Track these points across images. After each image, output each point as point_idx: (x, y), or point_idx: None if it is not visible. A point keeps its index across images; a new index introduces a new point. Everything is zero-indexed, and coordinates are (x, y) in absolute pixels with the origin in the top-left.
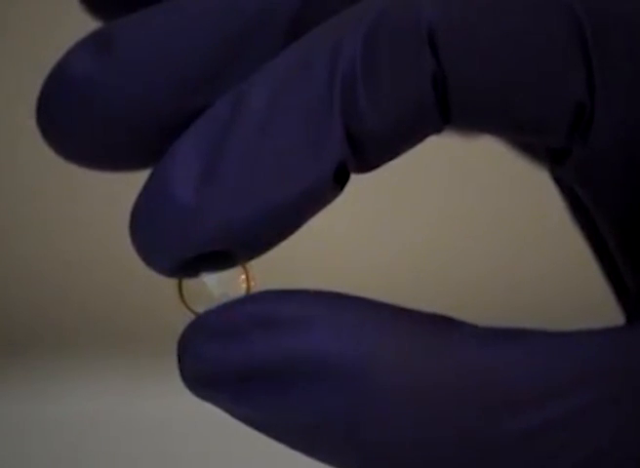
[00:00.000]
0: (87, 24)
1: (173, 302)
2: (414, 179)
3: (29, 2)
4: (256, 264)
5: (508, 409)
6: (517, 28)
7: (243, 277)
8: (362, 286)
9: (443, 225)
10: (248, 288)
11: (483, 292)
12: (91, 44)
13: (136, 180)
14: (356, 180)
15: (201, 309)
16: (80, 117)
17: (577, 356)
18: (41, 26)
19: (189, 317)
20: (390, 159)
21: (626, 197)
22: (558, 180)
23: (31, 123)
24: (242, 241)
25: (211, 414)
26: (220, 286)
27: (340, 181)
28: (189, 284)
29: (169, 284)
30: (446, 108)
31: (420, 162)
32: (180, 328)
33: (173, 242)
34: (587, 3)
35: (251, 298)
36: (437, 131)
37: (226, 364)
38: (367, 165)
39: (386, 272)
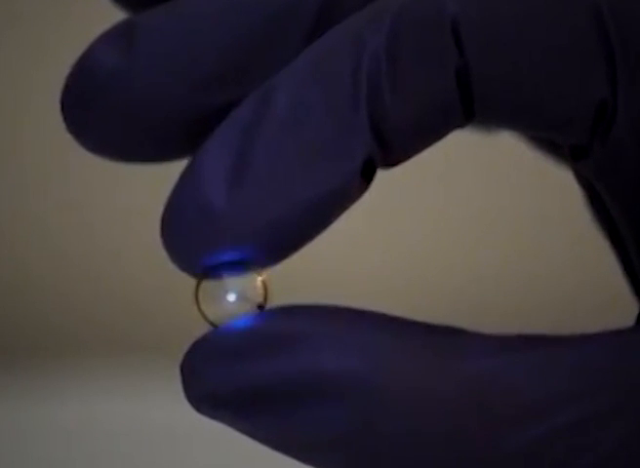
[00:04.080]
0: (100, 15)
1: (176, 309)
2: (415, 182)
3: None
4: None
5: (518, 418)
6: (541, 24)
7: (260, 279)
8: (365, 290)
9: (445, 228)
10: (265, 294)
11: (485, 296)
12: (115, 36)
13: (139, 188)
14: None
15: (215, 314)
16: (104, 108)
17: (584, 362)
18: (52, 19)
19: (201, 321)
20: (416, 153)
21: None
22: (578, 176)
23: (35, 129)
24: (272, 243)
25: (214, 422)
26: (238, 290)
27: (367, 177)
28: (207, 287)
29: (173, 290)
30: (470, 102)
31: (422, 164)
32: (183, 334)
33: (204, 245)
34: (611, 1)
35: (256, 317)
36: (461, 125)
37: (232, 384)
38: (393, 159)
39: (388, 276)
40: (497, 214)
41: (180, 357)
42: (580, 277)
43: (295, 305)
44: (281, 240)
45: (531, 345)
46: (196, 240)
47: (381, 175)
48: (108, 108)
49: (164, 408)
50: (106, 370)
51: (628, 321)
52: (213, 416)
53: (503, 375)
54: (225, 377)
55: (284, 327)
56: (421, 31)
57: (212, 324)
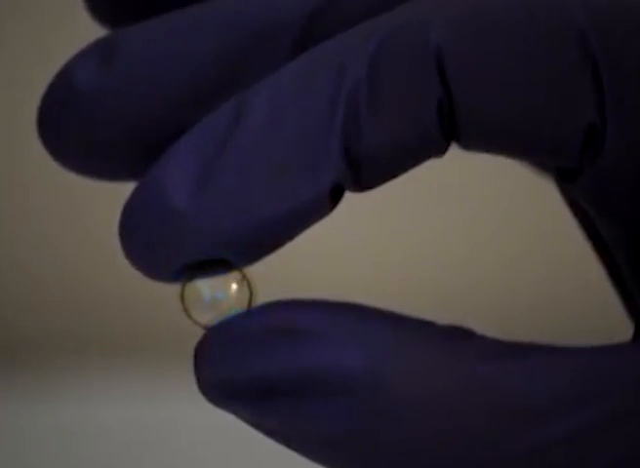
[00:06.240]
0: (90, 28)
1: (177, 310)
2: (414, 186)
3: (33, 4)
4: (254, 268)
5: (522, 423)
6: (527, 53)
7: (236, 282)
8: (361, 291)
9: (444, 232)
10: (250, 294)
11: (482, 300)
12: (93, 53)
13: None
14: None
15: (204, 317)
16: (81, 126)
17: (587, 370)
18: (43, 31)
19: (192, 324)
20: (388, 180)
21: (638, 215)
22: (565, 195)
23: (34, 141)
24: (235, 249)
25: (214, 421)
26: (215, 291)
27: (334, 198)
28: (191, 291)
29: (173, 292)
30: (451, 133)
31: (420, 168)
32: (182, 334)
33: (165, 248)
34: (598, 25)
35: (267, 309)
36: (440, 154)
37: (243, 374)
38: (363, 185)
39: (385, 279)
40: (496, 217)
41: (179, 358)
42: (579, 280)
43: (306, 299)
44: (242, 248)
45: (535, 352)
46: (158, 242)
47: None
48: (84, 126)
49: (164, 408)
50: (106, 370)
51: (625, 323)
52: (223, 406)
53: (508, 380)
54: (237, 367)
55: (297, 320)
56: (405, 60)
57: (205, 327)
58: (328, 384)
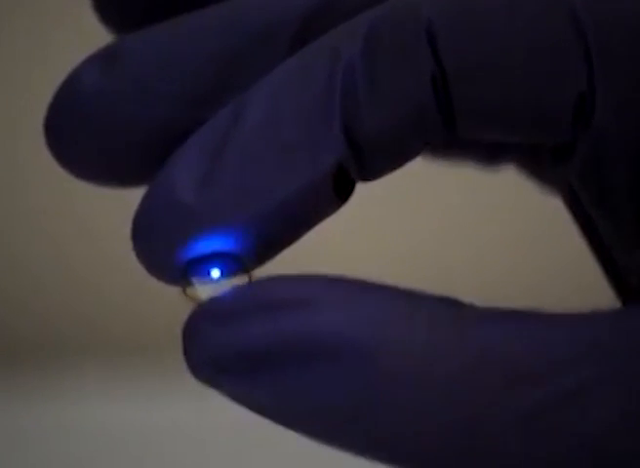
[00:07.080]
0: (91, 28)
1: (176, 310)
2: (418, 183)
3: (33, 4)
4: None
5: (514, 386)
6: (517, 26)
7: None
8: None
9: (447, 230)
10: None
11: (485, 298)
12: (99, 59)
13: (139, 193)
14: (361, 184)
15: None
16: (86, 131)
17: (582, 332)
18: (46, 31)
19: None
20: (393, 165)
21: (633, 189)
22: (564, 194)
23: (34, 141)
24: (239, 242)
25: (214, 421)
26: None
27: (341, 193)
28: (195, 290)
29: (173, 293)
30: (448, 110)
31: (424, 165)
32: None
33: (171, 240)
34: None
35: (254, 283)
36: (438, 135)
37: (231, 347)
38: (369, 171)
39: (384, 279)
40: (499, 213)
41: (180, 358)
42: (580, 279)
43: (294, 274)
44: (250, 242)
45: (529, 317)
46: (165, 237)
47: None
48: (90, 132)
49: (164, 408)
50: (106, 370)
51: None
52: (212, 383)
53: (503, 344)
54: (226, 341)
55: (285, 290)
56: (397, 38)
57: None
58: (316, 353)
